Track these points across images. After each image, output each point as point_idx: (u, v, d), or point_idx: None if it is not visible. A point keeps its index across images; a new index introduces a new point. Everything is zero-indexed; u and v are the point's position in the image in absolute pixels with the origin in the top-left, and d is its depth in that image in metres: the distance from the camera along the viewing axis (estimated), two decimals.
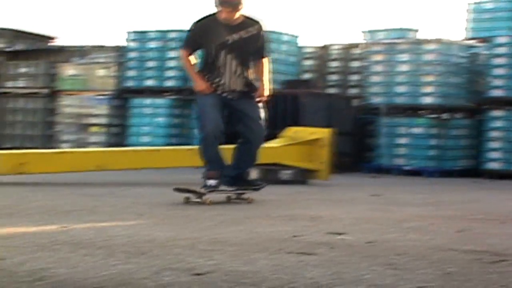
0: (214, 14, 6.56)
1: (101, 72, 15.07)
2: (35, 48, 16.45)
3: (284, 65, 14.43)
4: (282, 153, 9.81)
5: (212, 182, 6.55)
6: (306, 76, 15.16)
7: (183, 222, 5.08)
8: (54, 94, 15.34)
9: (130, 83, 14.74)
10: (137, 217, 5.30)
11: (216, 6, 6.50)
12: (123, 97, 14.81)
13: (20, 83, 15.68)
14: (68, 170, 8.32)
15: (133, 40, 14.89)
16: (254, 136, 6.70)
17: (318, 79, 14.93)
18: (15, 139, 15.28)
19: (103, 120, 14.74)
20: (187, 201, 6.44)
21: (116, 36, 46.60)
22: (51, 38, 17.54)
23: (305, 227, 5.02)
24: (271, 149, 9.94)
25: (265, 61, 6.80)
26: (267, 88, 6.75)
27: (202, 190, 6.49)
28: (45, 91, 15.41)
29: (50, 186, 7.63)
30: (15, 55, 16.18)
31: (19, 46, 16.43)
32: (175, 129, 14.33)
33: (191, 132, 14.04)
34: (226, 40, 6.55)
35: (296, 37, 14.97)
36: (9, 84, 15.76)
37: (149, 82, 14.59)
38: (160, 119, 14.22)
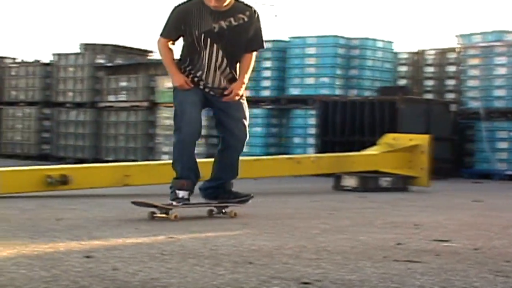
0: None
1: None
2: (134, 62, 16.82)
3: (379, 71, 14.37)
4: (381, 160, 9.77)
5: (183, 193, 5.77)
6: (402, 82, 15.05)
7: (286, 231, 5.12)
8: (153, 107, 15.64)
9: None
10: (241, 227, 5.36)
11: None
12: None
13: (121, 96, 16.05)
14: (169, 182, 8.44)
15: (266, 50, 15.08)
16: (235, 141, 5.88)
17: (413, 85, 14.80)
18: (118, 152, 15.64)
19: (202, 132, 14.92)
20: (152, 217, 5.66)
21: None
22: (149, 52, 17.91)
23: (409, 235, 4.99)
24: (370, 156, 9.91)
25: (253, 56, 5.89)
26: (243, 87, 5.87)
27: (174, 203, 5.71)
28: (145, 104, 15.72)
29: (153, 197, 7.78)
30: (116, 70, 16.58)
31: (119, 61, 16.83)
32: (272, 139, 14.41)
33: (289, 141, 14.12)
34: (212, 28, 5.68)
35: (391, 43, 14.88)
36: (111, 98, 16.15)
37: (246, 93, 14.70)
38: (258, 129, 14.32)
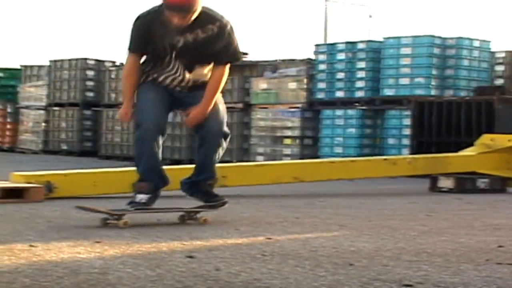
0: (162, 5, 5.17)
1: (293, 85, 15.35)
2: None
3: (476, 71, 14.15)
4: (478, 161, 9.63)
5: (141, 197, 5.30)
6: (499, 82, 14.77)
7: (384, 233, 5.11)
8: (248, 108, 15.77)
9: (321, 95, 14.93)
10: (339, 228, 5.38)
11: (164, 10, 5.11)
12: (314, 109, 15.02)
13: None
14: (266, 183, 8.54)
15: (322, 52, 15.09)
16: (209, 134, 5.32)
17: (511, 85, 14.51)
18: None
19: (295, 132, 15.00)
20: (105, 223, 5.16)
21: (306, 49, 47.40)
22: (244, 54, 18.06)
23: (511, 237, 4.92)
24: (467, 157, 9.78)
25: (225, 70, 5.31)
26: (206, 107, 5.24)
27: (128, 207, 5.28)
28: (240, 105, 15.86)
29: (250, 198, 7.87)
30: None
31: None
32: (366, 140, 14.35)
33: (383, 142, 14.04)
34: (176, 42, 5.20)
35: (488, 42, 14.62)
36: None
37: (339, 94, 14.71)
38: (352, 130, 14.29)
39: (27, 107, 19.68)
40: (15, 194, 6.68)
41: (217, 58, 5.29)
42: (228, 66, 5.32)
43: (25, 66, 20.34)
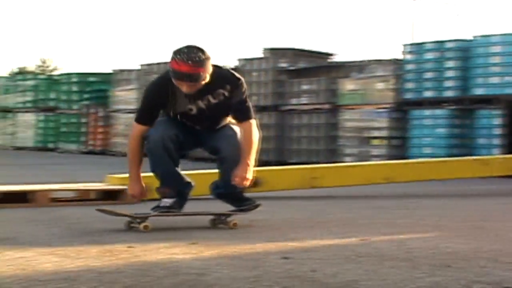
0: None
1: (380, 85, 15.24)
2: (315, 66, 16.99)
3: None
4: None
5: (166, 201, 5.19)
6: None
7: (480, 234, 5.05)
8: (335, 109, 15.74)
9: (409, 95, 14.79)
10: (433, 229, 5.33)
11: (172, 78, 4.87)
12: (402, 109, 14.88)
13: (303, 99, 16.25)
14: (358, 183, 8.52)
15: (410, 52, 14.95)
16: (227, 157, 5.11)
17: None
18: (301, 154, 15.85)
19: (384, 133, 14.89)
20: (130, 226, 5.09)
21: (393, 49, 47.09)
22: (330, 55, 18.04)
23: None
24: None
25: (250, 124, 5.07)
26: (249, 169, 5.05)
27: (152, 212, 5.19)
28: (327, 106, 15.85)
29: (341, 199, 7.87)
30: (298, 73, 16.80)
31: (301, 65, 17.05)
32: (456, 140, 14.14)
33: (473, 142, 13.82)
34: (189, 110, 5.06)
35: None
36: (293, 101, 16.39)
37: (428, 93, 14.54)
38: (441, 130, 14.10)
39: (117, 111, 20.06)
40: (111, 196, 6.83)
41: (237, 115, 5.11)
42: (253, 121, 5.09)
43: (116, 71, 20.75)
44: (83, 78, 21.77)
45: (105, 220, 5.51)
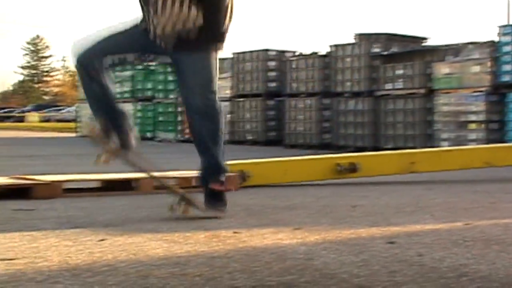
0: None
1: (476, 68, 14.97)
2: (409, 50, 16.81)
3: None
4: None
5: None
6: None
7: None
8: (430, 94, 15.55)
9: (506, 78, 14.49)
10: None
11: None
12: (499, 93, 14.60)
13: (398, 84, 16.11)
14: (456, 168, 8.41)
15: (506, 34, 14.63)
16: (191, 112, 4.68)
17: None
18: (397, 140, 15.73)
19: (480, 117, 14.63)
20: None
21: (488, 31, 46.22)
22: (424, 39, 17.81)
23: None
24: None
25: None
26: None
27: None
28: (422, 91, 15.66)
29: (440, 184, 7.80)
30: (391, 58, 16.65)
31: (394, 49, 16.89)
32: None
33: None
34: None
35: None
36: (388, 86, 16.26)
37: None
38: None
39: None
40: None
41: None
42: None
43: None
44: None
45: None
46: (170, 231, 4.36)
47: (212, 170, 4.93)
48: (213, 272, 3.19)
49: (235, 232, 4.31)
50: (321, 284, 2.98)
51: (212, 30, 4.57)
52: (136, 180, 6.68)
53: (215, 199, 4.96)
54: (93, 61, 4.62)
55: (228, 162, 7.56)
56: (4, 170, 8.25)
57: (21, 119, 49.09)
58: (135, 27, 4.67)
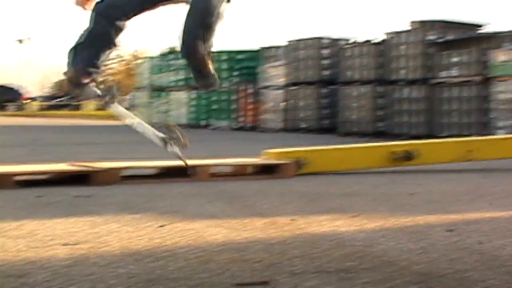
0: None
1: None
2: (465, 37, 16.61)
3: None
4: None
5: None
6: None
7: None
8: (486, 81, 15.36)
9: None
10: None
11: None
12: None
13: (453, 72, 15.94)
14: None
15: None
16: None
17: None
18: (452, 127, 15.58)
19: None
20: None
21: None
22: (480, 26, 17.58)
23: None
24: None
25: None
26: None
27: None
28: (477, 78, 15.48)
29: (498, 172, 7.72)
30: (447, 45, 16.48)
31: (450, 36, 16.71)
32: None
33: None
34: None
35: None
36: (443, 74, 16.10)
37: None
38: None
39: (267, 87, 20.29)
40: (267, 170, 6.97)
41: None
42: None
43: (264, 48, 20.97)
44: (232, 56, 22.13)
45: (265, 194, 5.64)
46: (228, 218, 4.39)
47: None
48: (273, 258, 3.22)
49: (292, 219, 4.33)
50: (381, 271, 2.98)
51: None
52: (193, 167, 6.74)
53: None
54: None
55: (284, 150, 7.62)
56: (63, 157, 8.37)
57: (77, 107, 49.72)
58: None
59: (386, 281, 2.82)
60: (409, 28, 17.42)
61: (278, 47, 20.47)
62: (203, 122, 22.34)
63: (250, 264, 3.10)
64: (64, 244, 3.50)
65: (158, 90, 24.78)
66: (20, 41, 72.19)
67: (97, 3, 4.68)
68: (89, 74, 4.64)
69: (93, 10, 4.65)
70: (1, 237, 3.69)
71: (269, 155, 7.40)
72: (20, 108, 46.47)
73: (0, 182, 5.71)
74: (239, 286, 2.73)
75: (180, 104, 23.46)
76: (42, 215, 4.43)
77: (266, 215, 4.51)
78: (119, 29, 4.64)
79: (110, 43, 4.65)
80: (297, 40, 19.64)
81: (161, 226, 4.04)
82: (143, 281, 2.79)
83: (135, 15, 4.69)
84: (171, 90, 24.00)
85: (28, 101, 50.57)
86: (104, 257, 3.22)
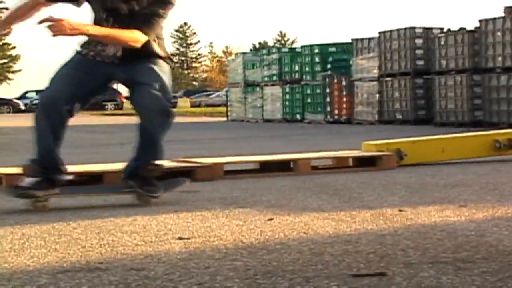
0: None
1: None
2: None
3: None
4: None
5: (27, 181, 4.59)
6: None
7: None
8: None
9: None
10: None
11: None
12: None
13: None
14: None
15: None
16: (143, 111, 4.56)
17: None
18: None
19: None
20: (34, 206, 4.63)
21: None
22: None
23: None
24: None
25: (138, 33, 4.47)
26: (80, 25, 4.37)
27: (11, 190, 4.65)
28: None
29: None
30: None
31: None
32: None
33: None
34: (120, 7, 4.55)
35: None
36: None
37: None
38: None
39: (360, 80, 20.20)
40: (368, 163, 6.95)
41: (137, 22, 4.49)
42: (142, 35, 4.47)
43: (356, 39, 20.87)
44: (324, 49, 22.10)
45: (369, 186, 5.63)
46: (335, 210, 4.41)
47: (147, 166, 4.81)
48: (386, 249, 3.22)
49: (400, 210, 4.31)
50: (498, 261, 2.95)
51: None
52: (294, 161, 6.78)
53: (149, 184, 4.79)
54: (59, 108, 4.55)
55: (384, 141, 7.58)
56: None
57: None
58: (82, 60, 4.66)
59: (505, 270, 2.79)
60: (503, 14, 17.06)
61: (370, 39, 20.35)
62: (297, 116, 22.38)
63: (364, 255, 3.11)
64: (178, 238, 3.58)
65: (252, 86, 24.94)
66: None
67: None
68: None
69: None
70: (118, 232, 3.80)
71: (369, 147, 7.37)
72: (119, 106, 47.46)
73: (110, 180, 5.86)
74: (356, 277, 2.74)
75: (274, 99, 23.56)
76: (153, 210, 4.54)
77: (373, 207, 4.50)
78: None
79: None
80: (390, 31, 19.48)
81: (269, 220, 4.08)
82: (260, 273, 2.83)
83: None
84: (265, 85, 24.13)
85: (126, 100, 51.70)
86: (219, 250, 3.27)
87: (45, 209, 4.57)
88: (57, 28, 4.31)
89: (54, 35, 4.33)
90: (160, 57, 4.65)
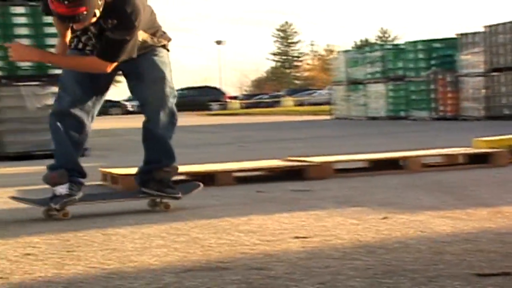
0: None
1: None
2: None
3: None
4: None
5: (61, 189, 4.48)
6: None
7: None
8: None
9: None
10: None
11: None
12: None
13: None
14: None
15: None
16: (150, 109, 4.54)
17: None
18: None
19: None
20: (48, 215, 4.55)
21: None
22: None
23: None
24: None
25: (98, 60, 4.33)
26: (38, 53, 4.48)
27: (53, 205, 4.49)
28: None
29: None
30: None
31: None
32: None
33: None
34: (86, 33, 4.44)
35: None
36: None
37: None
38: None
39: (466, 75, 19.82)
40: (479, 160, 6.82)
41: (98, 47, 4.40)
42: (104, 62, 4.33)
43: (461, 34, 20.50)
44: (428, 45, 21.78)
45: (483, 183, 5.53)
46: (450, 208, 4.35)
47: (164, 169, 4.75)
48: (507, 248, 3.17)
49: None
50: None
51: None
52: (405, 159, 6.72)
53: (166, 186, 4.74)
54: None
55: (496, 138, 7.43)
56: (270, 154, 8.59)
57: (271, 105, 50.79)
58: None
59: None
60: None
61: (475, 33, 19.95)
62: (402, 114, 22.15)
63: (485, 254, 3.07)
64: (295, 237, 3.60)
65: (355, 83, 24.81)
66: (218, 42, 74.49)
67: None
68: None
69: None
70: (235, 231, 3.85)
71: (480, 143, 7.25)
72: (223, 107, 48.02)
73: (222, 179, 5.94)
74: (480, 276, 2.71)
75: (378, 96, 23.37)
76: (267, 209, 4.58)
77: (490, 205, 4.43)
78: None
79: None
80: (496, 25, 19.05)
81: (384, 218, 4.06)
82: (381, 272, 2.82)
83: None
84: (368, 83, 23.97)
85: (230, 100, 52.32)
86: (337, 249, 3.28)
87: (66, 217, 4.51)
88: (11, 53, 4.36)
89: (13, 60, 4.43)
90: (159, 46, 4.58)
